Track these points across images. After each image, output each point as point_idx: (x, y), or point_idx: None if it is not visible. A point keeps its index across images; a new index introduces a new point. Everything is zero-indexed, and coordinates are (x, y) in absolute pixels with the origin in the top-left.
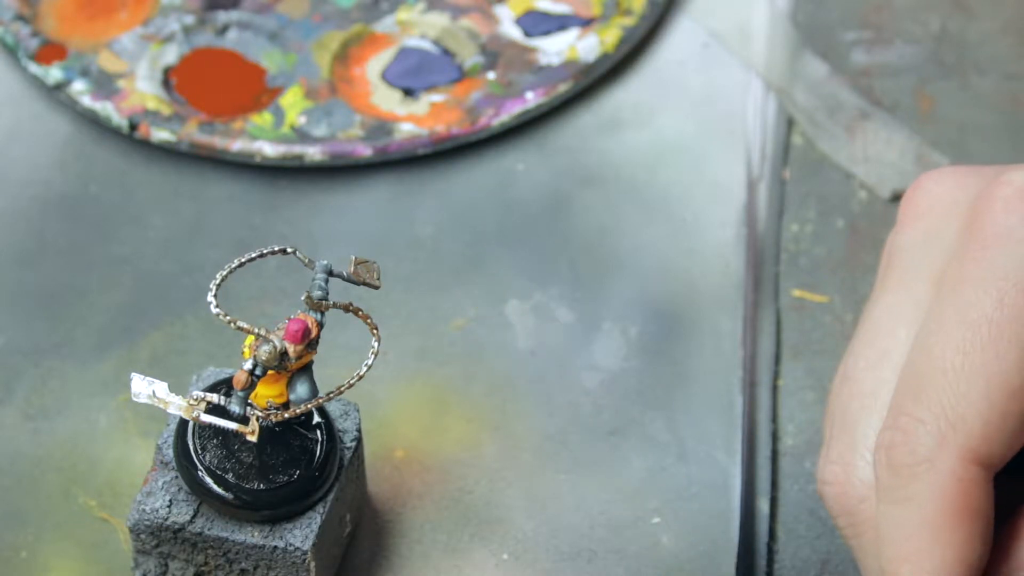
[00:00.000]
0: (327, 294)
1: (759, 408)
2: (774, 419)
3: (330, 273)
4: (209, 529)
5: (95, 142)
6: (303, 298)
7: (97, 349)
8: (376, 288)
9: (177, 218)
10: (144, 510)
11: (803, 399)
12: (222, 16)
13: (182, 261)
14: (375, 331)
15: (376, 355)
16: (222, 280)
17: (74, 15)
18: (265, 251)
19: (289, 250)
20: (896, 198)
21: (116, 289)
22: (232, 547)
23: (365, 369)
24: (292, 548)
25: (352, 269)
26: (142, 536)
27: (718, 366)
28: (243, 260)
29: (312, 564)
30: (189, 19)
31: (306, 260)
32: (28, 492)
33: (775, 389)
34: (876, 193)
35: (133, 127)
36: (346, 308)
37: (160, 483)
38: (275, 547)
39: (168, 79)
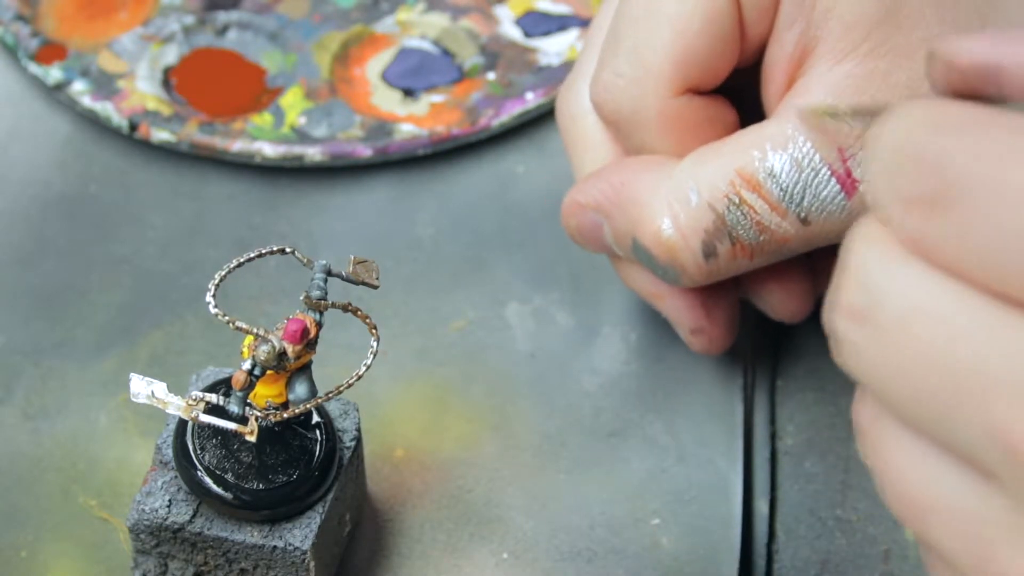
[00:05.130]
0: (326, 294)
1: (758, 409)
2: (773, 420)
3: (329, 273)
4: (208, 529)
5: (95, 142)
6: (302, 298)
7: (97, 349)
8: (375, 288)
9: (177, 218)
10: (144, 510)
11: (803, 399)
12: (222, 16)
13: (182, 261)
14: (374, 331)
15: (375, 355)
16: (221, 280)
17: (74, 15)
18: (264, 251)
19: (288, 250)
20: None
21: (116, 289)
22: (231, 547)
23: (364, 369)
24: (291, 548)
25: (351, 269)
26: (142, 536)
27: (718, 371)
28: (242, 260)
29: (311, 564)
30: (189, 19)
31: (305, 260)
32: (28, 492)
33: (774, 390)
34: None
35: (133, 127)
36: (345, 308)
37: (159, 483)
38: (274, 547)
39: (168, 79)
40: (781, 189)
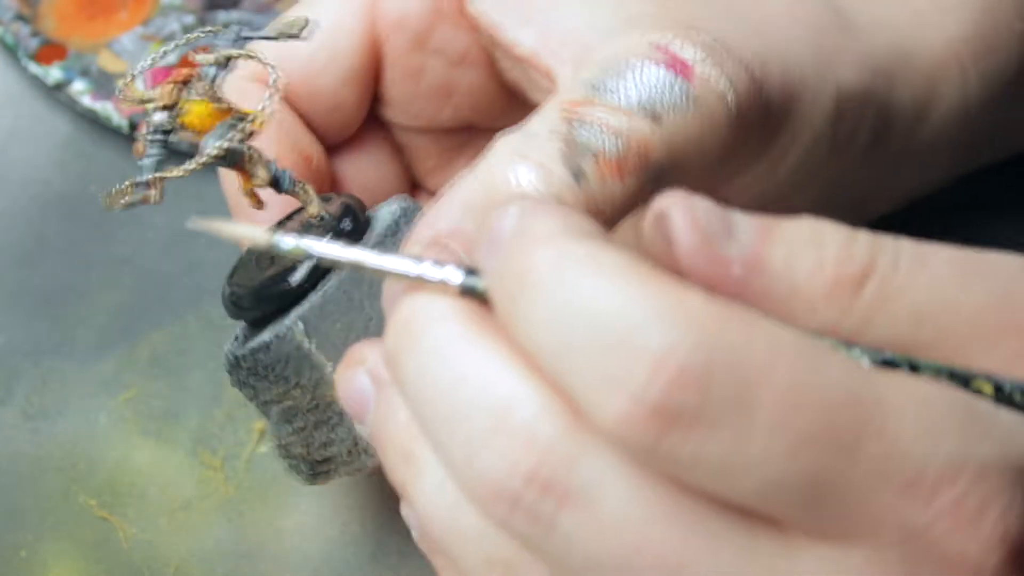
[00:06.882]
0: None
1: None
2: None
3: (244, 38)
4: (241, 351)
5: (95, 142)
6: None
7: (97, 349)
8: (304, 40)
9: (178, 218)
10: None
11: None
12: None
13: (183, 261)
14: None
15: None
16: (147, 68)
17: (74, 15)
18: (192, 35)
19: (214, 29)
20: None
21: (116, 289)
22: (260, 360)
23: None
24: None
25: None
26: (243, 378)
27: None
28: (170, 48)
29: (310, 342)
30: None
31: (220, 29)
32: (28, 492)
33: None
34: None
35: (133, 127)
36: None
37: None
38: (275, 336)
39: None
40: (610, 92)
